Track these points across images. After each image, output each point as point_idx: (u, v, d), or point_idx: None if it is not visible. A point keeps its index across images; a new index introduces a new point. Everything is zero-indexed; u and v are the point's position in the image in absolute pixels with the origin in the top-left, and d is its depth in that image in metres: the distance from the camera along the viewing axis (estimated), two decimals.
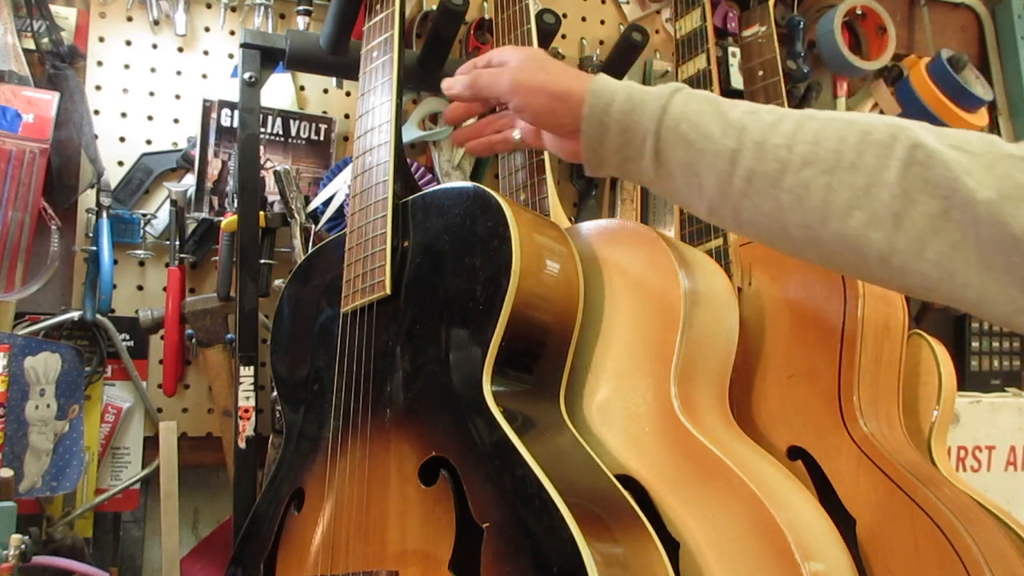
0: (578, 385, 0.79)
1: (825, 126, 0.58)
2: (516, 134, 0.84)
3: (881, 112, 1.49)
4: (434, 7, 1.11)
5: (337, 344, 0.81)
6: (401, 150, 0.84)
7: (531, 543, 0.58)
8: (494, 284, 0.69)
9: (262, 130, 1.16)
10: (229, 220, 1.07)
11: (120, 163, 1.14)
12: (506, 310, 0.68)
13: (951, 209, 0.51)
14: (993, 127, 1.60)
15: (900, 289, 0.57)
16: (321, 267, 0.90)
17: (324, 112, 1.24)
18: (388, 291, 0.77)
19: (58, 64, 1.07)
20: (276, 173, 1.12)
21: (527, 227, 0.71)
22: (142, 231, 1.13)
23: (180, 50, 1.19)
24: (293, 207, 1.11)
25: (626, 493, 0.65)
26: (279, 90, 1.20)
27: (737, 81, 1.34)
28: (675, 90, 0.66)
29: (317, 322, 0.87)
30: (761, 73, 1.17)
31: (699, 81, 1.08)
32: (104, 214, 1.08)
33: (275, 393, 1.07)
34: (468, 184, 0.76)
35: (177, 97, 1.18)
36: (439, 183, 1.20)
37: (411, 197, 0.81)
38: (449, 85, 0.82)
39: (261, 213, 1.07)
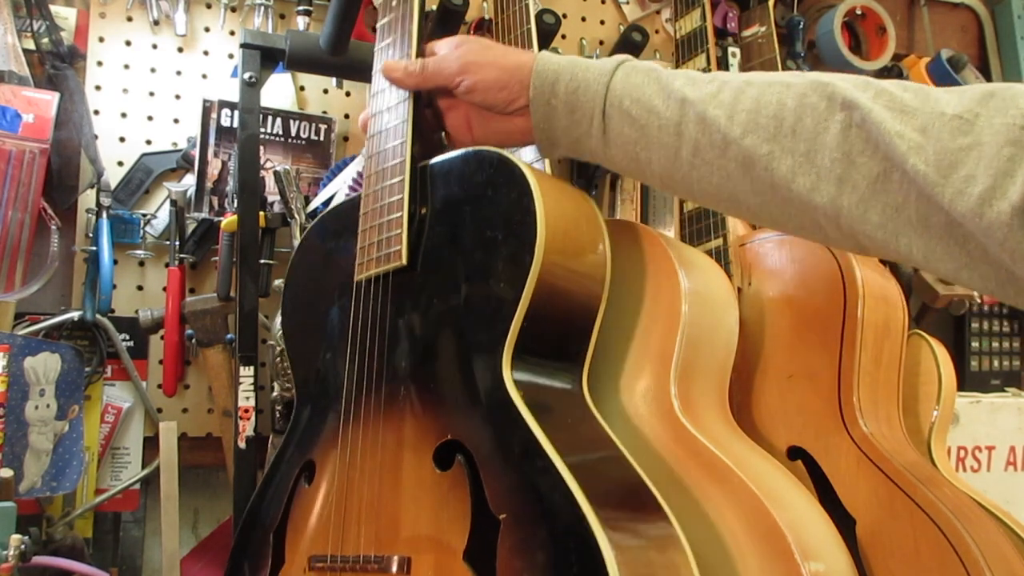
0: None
1: (763, 92, 0.57)
2: (442, 135, 0.80)
3: None
4: (434, 7, 1.11)
5: (350, 314, 0.76)
6: (420, 109, 0.78)
7: (550, 540, 0.56)
8: (516, 261, 0.65)
9: (262, 130, 1.16)
10: (229, 220, 1.07)
11: (120, 163, 1.14)
12: (529, 289, 0.64)
13: (890, 171, 0.51)
14: None
15: (855, 250, 0.57)
16: (335, 231, 0.84)
17: (324, 112, 1.24)
18: (404, 261, 0.72)
19: (58, 64, 1.07)
20: (276, 173, 1.12)
21: (553, 200, 0.67)
22: (142, 231, 1.13)
23: (180, 50, 1.19)
24: (293, 207, 1.11)
25: (651, 485, 0.61)
26: (279, 90, 1.21)
27: None
28: (617, 64, 0.65)
29: (329, 289, 0.82)
30: None
31: None
32: (104, 214, 1.08)
33: (276, 389, 1.07)
34: (492, 150, 0.70)
35: (177, 97, 1.18)
36: None
37: (430, 161, 0.75)
38: (391, 68, 0.77)
39: (261, 213, 1.07)
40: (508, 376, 0.63)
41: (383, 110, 0.79)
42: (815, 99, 0.55)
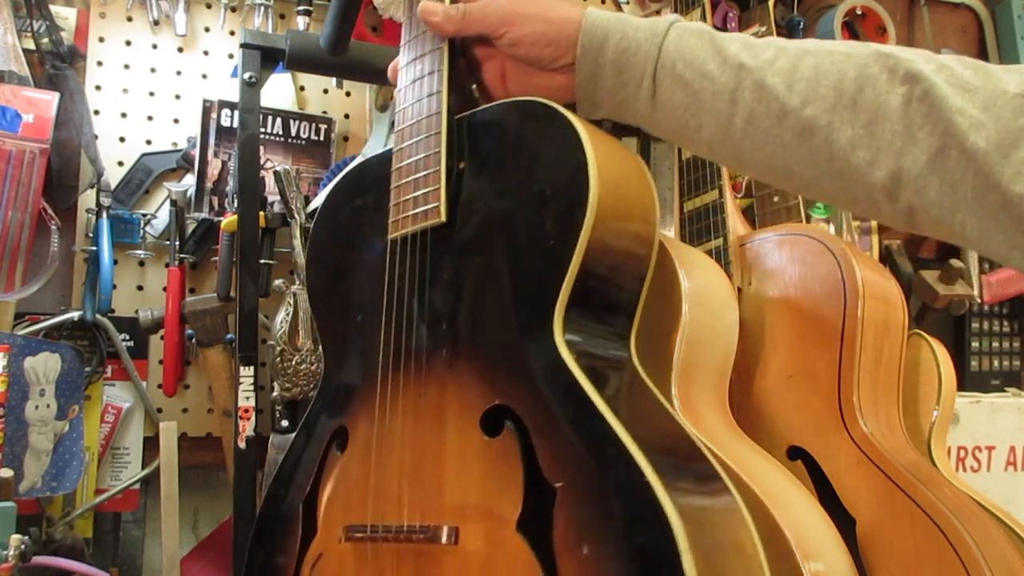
0: None
1: (823, 61, 0.56)
2: (473, 87, 0.75)
3: None
4: None
5: (385, 273, 0.72)
6: (455, 58, 0.73)
7: (613, 508, 0.53)
8: (567, 217, 0.61)
9: (262, 130, 1.16)
10: (229, 220, 1.07)
11: (120, 163, 1.14)
12: (581, 247, 0.60)
13: (949, 147, 0.50)
14: None
15: (907, 225, 0.56)
16: (363, 188, 0.80)
17: (324, 112, 1.24)
18: (443, 218, 0.68)
19: (58, 64, 1.07)
20: (276, 173, 1.12)
21: (604, 153, 0.63)
22: (142, 231, 1.13)
23: (180, 50, 1.19)
24: (293, 207, 1.11)
25: (711, 456, 0.58)
26: (279, 90, 1.21)
27: None
28: (669, 25, 0.63)
29: (359, 248, 0.78)
30: None
31: None
32: (104, 214, 1.08)
33: (276, 389, 1.07)
34: (539, 100, 0.66)
35: (177, 97, 1.18)
36: None
37: (467, 113, 0.71)
38: (430, 11, 0.71)
39: (261, 213, 1.07)
40: (560, 339, 0.60)
41: (416, 59, 0.74)
42: (876, 70, 0.54)
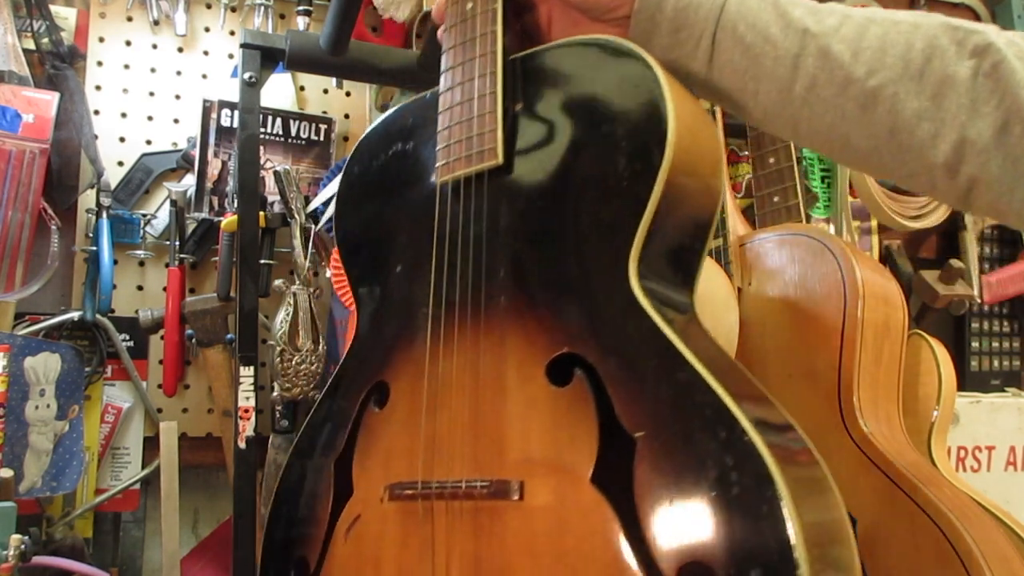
0: None
1: (889, 30, 0.55)
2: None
3: None
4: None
5: (434, 219, 0.68)
6: None
7: (706, 459, 0.49)
8: (643, 157, 0.58)
9: (262, 130, 1.16)
10: (229, 220, 1.07)
11: (120, 163, 1.14)
12: (659, 188, 0.58)
13: (1012, 123, 0.50)
14: None
15: (961, 203, 0.55)
16: (402, 130, 0.76)
17: (324, 112, 1.24)
18: (500, 159, 0.65)
19: (58, 64, 1.07)
20: (276, 173, 1.12)
21: (680, 95, 0.60)
22: (142, 231, 1.13)
23: (180, 50, 1.19)
24: (293, 207, 1.11)
25: (795, 424, 0.55)
26: (279, 90, 1.21)
27: None
28: None
29: (399, 194, 0.74)
30: None
31: None
32: (104, 214, 1.08)
33: (276, 389, 1.07)
34: (609, 37, 0.63)
35: (177, 97, 1.18)
36: None
37: (521, 54, 0.68)
38: None
39: (261, 213, 1.07)
40: (636, 285, 0.57)
41: None
42: (945, 42, 0.53)
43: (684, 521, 0.49)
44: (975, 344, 1.52)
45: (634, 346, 0.56)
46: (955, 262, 1.39)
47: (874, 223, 1.44)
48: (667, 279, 0.61)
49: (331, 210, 1.15)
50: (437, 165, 0.69)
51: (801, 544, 0.45)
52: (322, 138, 1.21)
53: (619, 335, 0.57)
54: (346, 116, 1.25)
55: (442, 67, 0.72)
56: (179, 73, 1.18)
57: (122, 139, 1.15)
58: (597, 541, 0.52)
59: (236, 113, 1.12)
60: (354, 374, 0.72)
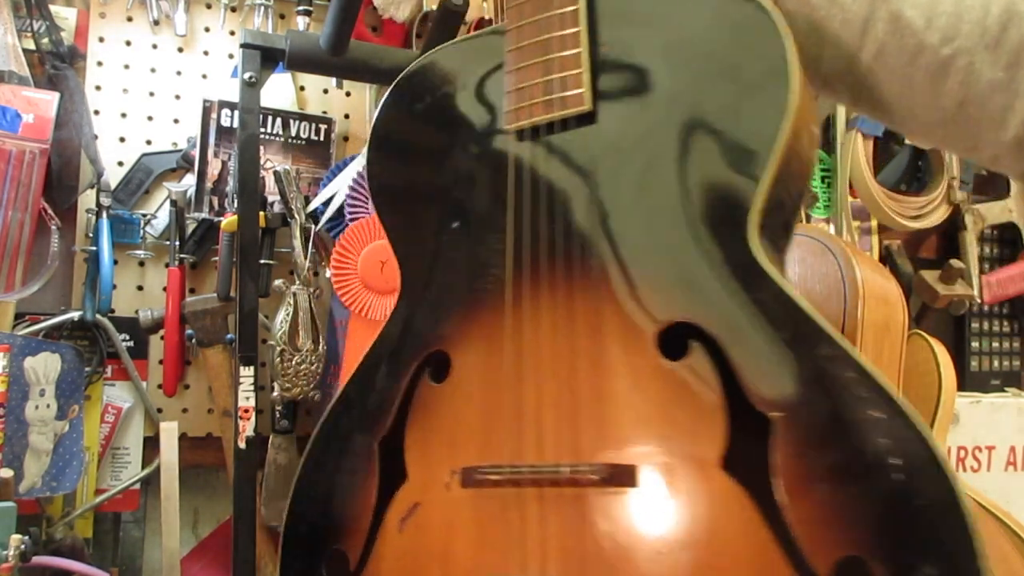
0: None
1: None
2: None
3: None
4: (434, 7, 1.11)
5: (508, 171, 0.62)
6: None
7: (859, 440, 0.45)
8: (766, 109, 0.53)
9: (262, 130, 1.16)
10: (229, 220, 1.07)
11: (120, 163, 1.14)
12: (783, 140, 0.52)
13: None
14: None
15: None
16: (454, 71, 0.68)
17: (324, 112, 1.24)
18: (588, 105, 0.59)
19: (58, 64, 1.07)
20: (276, 173, 1.12)
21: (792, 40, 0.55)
22: (142, 231, 1.13)
23: (180, 50, 1.19)
24: (293, 207, 1.11)
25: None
26: (279, 90, 1.21)
27: None
28: None
29: (454, 138, 0.67)
30: None
31: None
32: (104, 214, 1.08)
33: (276, 389, 1.06)
34: None
35: (177, 97, 1.18)
36: None
37: None
38: None
39: (261, 213, 1.07)
40: (758, 248, 0.52)
41: None
42: (1023, 7, 0.49)
43: (838, 511, 0.44)
44: (975, 344, 1.52)
45: (763, 316, 0.50)
46: (955, 262, 1.39)
47: (874, 223, 1.44)
48: (776, 245, 0.56)
49: (331, 210, 1.15)
50: (507, 109, 0.62)
51: (983, 549, 0.41)
52: (322, 138, 1.21)
53: (743, 303, 0.51)
54: (346, 116, 1.25)
55: (506, 6, 0.64)
56: (179, 73, 1.18)
57: (122, 139, 1.15)
58: (734, 533, 0.47)
59: (236, 113, 1.12)
60: (400, 343, 0.64)
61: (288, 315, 1.08)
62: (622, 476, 0.50)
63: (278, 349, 1.06)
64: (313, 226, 1.13)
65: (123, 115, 1.15)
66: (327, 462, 0.64)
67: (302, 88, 1.24)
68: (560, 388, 0.55)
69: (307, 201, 1.15)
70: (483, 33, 0.68)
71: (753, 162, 0.53)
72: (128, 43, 1.16)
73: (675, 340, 0.52)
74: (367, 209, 1.15)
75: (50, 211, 1.04)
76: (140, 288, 1.13)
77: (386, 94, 0.71)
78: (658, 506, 0.50)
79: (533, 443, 0.54)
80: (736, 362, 0.50)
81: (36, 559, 0.84)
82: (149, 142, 1.16)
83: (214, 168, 1.14)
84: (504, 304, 0.59)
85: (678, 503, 0.49)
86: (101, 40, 1.14)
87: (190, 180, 1.14)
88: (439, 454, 0.58)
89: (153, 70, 1.17)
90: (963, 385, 1.32)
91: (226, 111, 1.15)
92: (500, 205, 0.61)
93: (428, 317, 0.64)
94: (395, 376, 0.63)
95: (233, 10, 1.21)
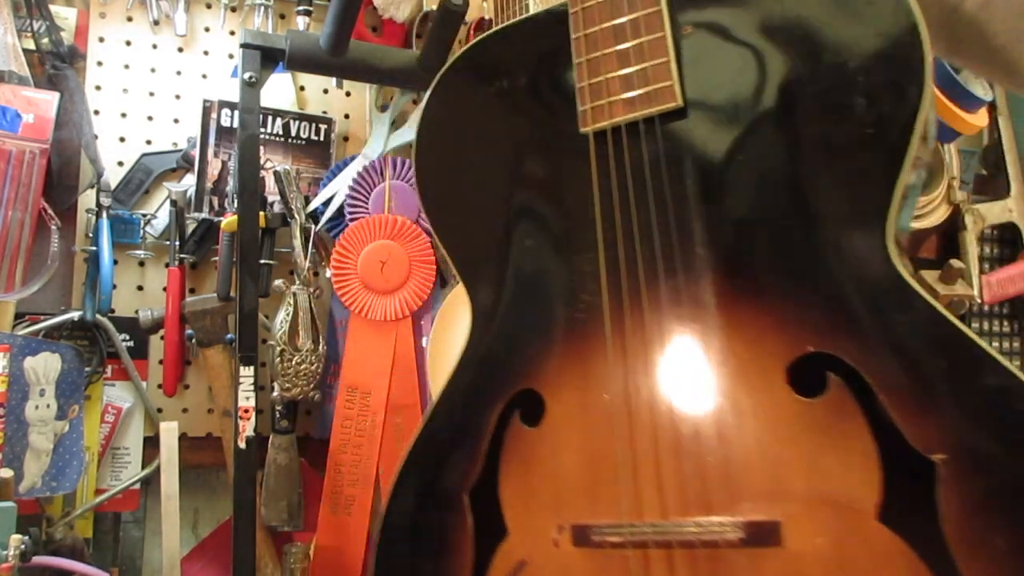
0: None
1: None
2: None
3: None
4: (434, 7, 1.11)
5: (589, 178, 0.54)
6: None
7: None
8: (894, 95, 0.46)
9: (262, 130, 1.16)
10: (229, 220, 1.07)
11: (120, 163, 1.14)
12: (916, 135, 0.45)
13: None
14: (993, 127, 1.60)
15: None
16: (512, 59, 0.60)
17: (324, 112, 1.24)
18: (680, 100, 0.52)
19: (58, 64, 1.07)
20: (276, 173, 1.12)
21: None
22: (142, 231, 1.13)
23: (180, 50, 1.19)
24: (293, 207, 1.11)
25: None
26: (279, 90, 1.20)
27: None
28: None
29: (519, 142, 0.59)
30: None
31: None
32: (104, 214, 1.08)
33: (276, 389, 1.06)
34: None
35: (177, 97, 1.18)
36: None
37: None
38: None
39: (261, 213, 1.07)
40: (897, 259, 0.45)
41: None
42: None
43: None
44: None
45: (913, 342, 0.44)
46: (955, 262, 1.39)
47: None
48: (904, 258, 0.48)
49: (331, 210, 1.15)
50: (582, 108, 0.54)
51: None
52: (322, 138, 1.21)
53: (887, 327, 0.45)
54: (346, 116, 1.25)
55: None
56: (179, 73, 1.18)
57: (122, 139, 1.15)
58: None
59: (236, 113, 1.12)
60: (479, 381, 0.58)
61: (288, 315, 1.08)
62: (766, 534, 0.44)
63: (278, 349, 1.06)
64: (313, 226, 1.13)
65: (123, 115, 1.15)
66: (413, 516, 0.58)
67: (302, 88, 1.24)
68: (678, 433, 0.48)
69: (307, 201, 1.15)
70: (543, 15, 0.58)
71: (882, 160, 0.46)
72: (128, 43, 1.16)
73: (809, 373, 0.46)
74: (367, 209, 1.15)
75: (50, 211, 1.04)
76: (140, 288, 1.13)
77: (435, 81, 0.62)
78: (810, 567, 0.43)
79: (654, 497, 0.47)
80: (885, 397, 0.43)
81: (36, 559, 0.84)
82: (149, 142, 1.16)
83: (214, 168, 1.14)
84: (602, 336, 0.52)
85: (833, 562, 0.43)
86: (101, 40, 1.14)
87: (190, 180, 1.14)
88: (542, 507, 0.52)
89: (153, 70, 1.17)
90: None
91: (226, 111, 1.15)
92: (585, 221, 0.54)
93: (509, 350, 0.57)
94: (480, 418, 0.56)
95: (233, 10, 1.21)
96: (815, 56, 0.49)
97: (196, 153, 1.14)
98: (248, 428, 0.99)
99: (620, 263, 0.52)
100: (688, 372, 0.49)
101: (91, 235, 1.09)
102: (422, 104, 0.63)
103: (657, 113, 0.52)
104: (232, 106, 1.15)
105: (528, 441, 0.54)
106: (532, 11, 1.01)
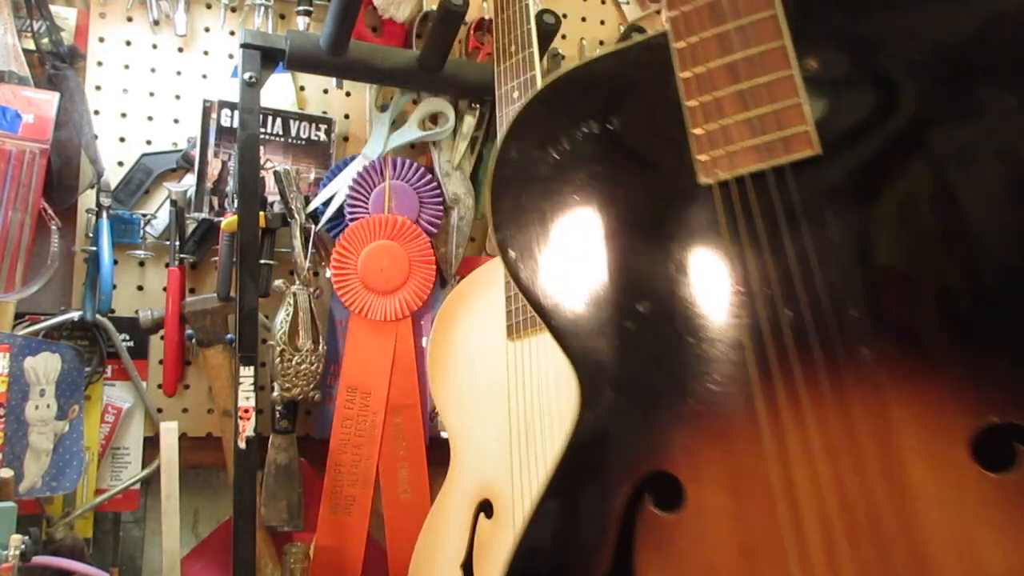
0: None
1: None
2: None
3: None
4: (434, 7, 1.11)
5: (717, 235, 0.49)
6: None
7: None
8: None
9: (262, 130, 1.16)
10: (229, 220, 1.07)
11: (120, 163, 1.14)
12: None
13: None
14: None
15: None
16: (602, 96, 0.54)
17: (324, 112, 1.24)
18: (818, 148, 0.46)
19: (58, 64, 1.07)
20: (276, 173, 1.12)
21: None
22: (142, 231, 1.13)
23: (180, 50, 1.19)
24: (293, 207, 1.11)
25: None
26: (279, 90, 1.20)
27: None
28: None
29: (621, 193, 0.53)
30: None
31: None
32: (104, 214, 1.08)
33: (276, 389, 1.06)
34: None
35: (177, 97, 1.18)
36: (439, 185, 1.20)
37: None
38: None
39: (261, 213, 1.07)
40: None
41: None
42: None
43: None
44: None
45: None
46: None
47: None
48: None
49: (331, 210, 1.15)
50: (700, 157, 0.49)
51: None
52: (322, 138, 1.21)
53: None
54: (346, 116, 1.25)
55: (667, 8, 0.49)
56: (179, 73, 1.18)
57: (122, 139, 1.15)
58: None
59: (236, 113, 1.12)
60: (598, 464, 0.52)
61: (288, 315, 1.08)
62: None
63: (278, 349, 1.07)
64: (313, 226, 1.13)
65: (123, 115, 1.15)
66: None
67: (302, 88, 1.24)
68: (854, 519, 0.43)
69: (307, 201, 1.15)
70: (635, 48, 0.52)
71: None
72: (128, 43, 1.16)
73: (995, 446, 0.42)
74: (367, 209, 1.15)
75: (50, 211, 1.04)
76: (140, 288, 1.13)
77: (512, 123, 0.55)
78: None
79: None
80: None
81: (36, 559, 0.84)
82: (149, 142, 1.16)
83: (214, 168, 1.14)
84: (750, 412, 0.47)
85: None
86: (101, 40, 1.14)
87: (190, 180, 1.14)
88: None
89: (153, 70, 1.17)
90: None
91: (226, 111, 1.15)
92: (716, 283, 0.48)
93: (631, 427, 0.52)
94: (604, 504, 0.51)
95: (233, 10, 1.21)
96: (973, 89, 0.44)
97: (196, 153, 1.14)
98: (248, 428, 0.99)
99: (764, 331, 0.46)
100: (856, 451, 0.44)
101: (91, 235, 1.09)
102: (496, 150, 0.57)
103: (788, 163, 0.47)
104: (232, 106, 1.15)
105: (667, 529, 0.48)
106: (531, 12, 1.01)
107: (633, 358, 0.52)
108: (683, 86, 0.49)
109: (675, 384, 0.50)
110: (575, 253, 0.54)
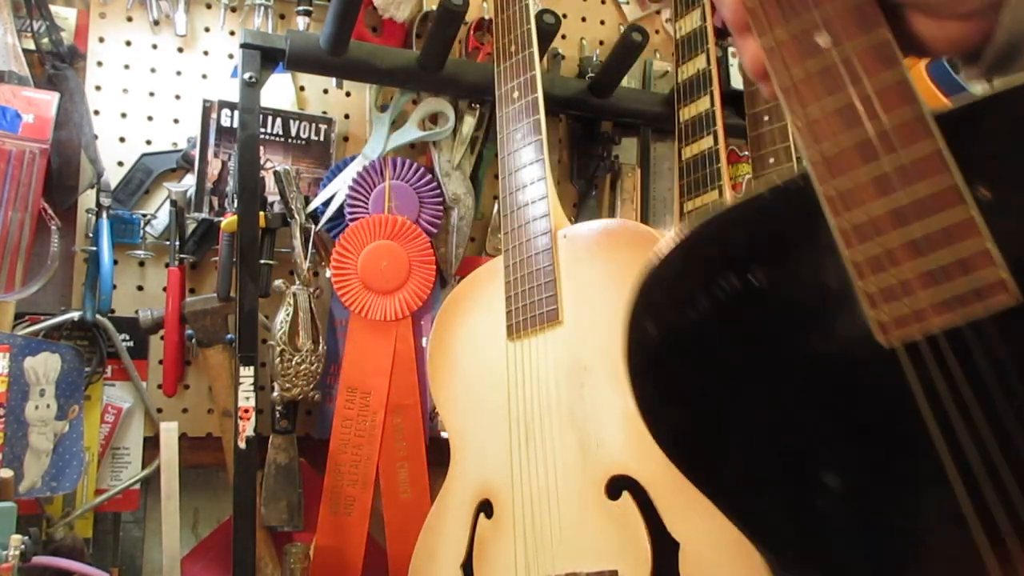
0: None
1: None
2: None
3: None
4: (434, 7, 1.11)
5: (919, 399, 0.42)
6: None
7: None
8: None
9: (262, 130, 1.16)
10: (229, 220, 1.07)
11: (120, 163, 1.14)
12: None
13: None
14: None
15: None
16: (741, 251, 0.47)
17: (324, 112, 1.24)
18: (1018, 296, 0.40)
19: (58, 64, 1.07)
20: (276, 173, 1.12)
21: None
22: (142, 231, 1.13)
23: (180, 50, 1.19)
24: (293, 207, 1.11)
25: None
26: (279, 90, 1.20)
27: (737, 81, 1.34)
28: None
29: (780, 357, 0.47)
30: None
31: (698, 81, 1.08)
32: (104, 214, 1.08)
33: (276, 389, 1.06)
34: None
35: (177, 97, 1.18)
36: (439, 185, 1.20)
37: (949, 108, 0.41)
38: None
39: (261, 213, 1.07)
40: None
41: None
42: None
43: None
44: None
45: None
46: None
47: None
48: None
49: (331, 210, 1.15)
50: (875, 316, 0.42)
51: None
52: (322, 138, 1.21)
53: None
54: (346, 116, 1.25)
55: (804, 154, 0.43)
56: (179, 73, 1.18)
57: (122, 139, 1.15)
58: None
59: (236, 113, 1.12)
60: None
61: (288, 315, 1.08)
62: None
63: (278, 349, 1.07)
64: (313, 226, 1.13)
65: (123, 115, 1.15)
66: None
67: (302, 88, 1.24)
68: None
69: (307, 201, 1.15)
70: (768, 196, 0.45)
71: None
72: (128, 43, 1.16)
73: None
74: (367, 209, 1.15)
75: (50, 211, 1.04)
76: (140, 288, 1.13)
77: (634, 303, 0.49)
78: None
79: None
80: None
81: (36, 559, 0.84)
82: (149, 142, 1.16)
83: (214, 168, 1.14)
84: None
85: None
86: (101, 40, 1.14)
87: (190, 180, 1.14)
88: None
89: (153, 70, 1.17)
90: None
91: (226, 111, 1.15)
92: (920, 457, 0.42)
93: None
94: None
95: (233, 10, 1.21)
96: None
97: (196, 153, 1.14)
98: (248, 428, 0.99)
99: (992, 507, 0.41)
100: None
101: (91, 235, 1.09)
102: (626, 326, 0.49)
103: (981, 315, 0.40)
104: (232, 106, 1.15)
105: None
106: (531, 12, 1.01)
107: (821, 532, 0.47)
108: (841, 237, 0.42)
109: (887, 568, 0.45)
110: (735, 426, 0.49)
